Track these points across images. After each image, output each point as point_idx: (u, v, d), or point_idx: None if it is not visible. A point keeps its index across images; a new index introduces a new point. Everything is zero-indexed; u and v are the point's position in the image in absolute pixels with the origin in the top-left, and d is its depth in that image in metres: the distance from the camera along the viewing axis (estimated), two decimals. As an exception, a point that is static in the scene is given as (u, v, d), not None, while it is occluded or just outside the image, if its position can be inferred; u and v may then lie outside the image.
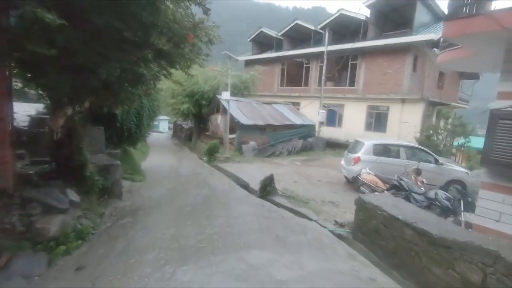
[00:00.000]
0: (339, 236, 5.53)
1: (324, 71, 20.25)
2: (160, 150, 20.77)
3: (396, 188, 7.03)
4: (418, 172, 7.84)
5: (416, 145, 11.74)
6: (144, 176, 9.77)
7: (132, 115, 8.72)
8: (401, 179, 7.11)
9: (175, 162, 14.99)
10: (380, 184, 7.64)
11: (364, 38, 20.22)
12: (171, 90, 20.38)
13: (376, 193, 6.66)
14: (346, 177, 10.58)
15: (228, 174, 11.42)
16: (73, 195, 4.81)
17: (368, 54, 19.81)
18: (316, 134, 20.04)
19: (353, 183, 9.65)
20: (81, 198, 4.89)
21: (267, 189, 7.49)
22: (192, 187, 8.73)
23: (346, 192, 9.38)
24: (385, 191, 7.09)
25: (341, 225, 5.85)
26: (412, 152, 10.21)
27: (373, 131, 19.44)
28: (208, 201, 7.23)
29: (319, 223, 6.11)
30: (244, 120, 16.66)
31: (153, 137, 30.72)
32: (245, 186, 9.32)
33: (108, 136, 8.70)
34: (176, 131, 31.16)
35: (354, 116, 20.45)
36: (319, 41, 23.12)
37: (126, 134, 8.70)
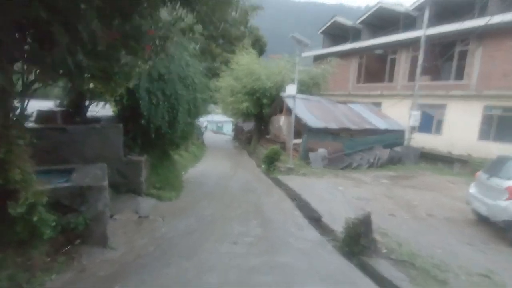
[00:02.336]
0: None
1: (419, 62, 15.60)
2: (216, 153, 18.93)
3: None
4: None
5: None
6: (179, 191, 7.51)
7: (162, 109, 6.46)
8: None
9: (228, 170, 12.61)
10: None
11: (481, 15, 14.91)
12: (230, 87, 18.35)
13: None
14: (477, 213, 6.58)
15: (291, 194, 8.42)
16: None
17: (487, 36, 14.48)
18: (406, 143, 15.52)
19: (507, 231, 5.62)
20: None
21: (360, 243, 4.18)
22: (237, 218, 5.95)
23: (491, 244, 5.45)
24: None
25: None
26: None
27: (492, 140, 14.04)
28: (254, 257, 4.21)
29: None
30: (312, 122, 13.44)
31: (213, 138, 29.68)
32: (315, 219, 6.19)
33: (132, 137, 6.62)
34: (237, 133, 29.46)
35: (461, 120, 15.23)
36: (409, 27, 18.39)
37: (153, 135, 6.45)
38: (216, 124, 50.80)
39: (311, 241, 5.05)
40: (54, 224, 2.96)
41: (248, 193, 8.56)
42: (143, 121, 6.34)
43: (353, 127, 14.25)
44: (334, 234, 5.31)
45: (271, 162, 12.75)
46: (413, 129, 15.65)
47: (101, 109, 8.17)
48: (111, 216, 4.98)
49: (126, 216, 5.01)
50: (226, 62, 19.99)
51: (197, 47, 8.31)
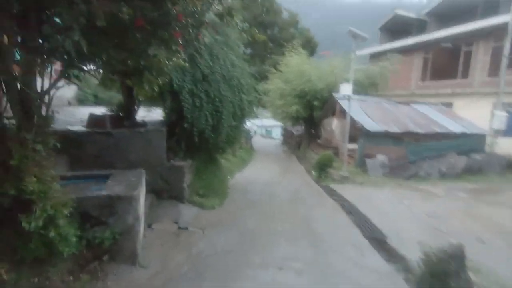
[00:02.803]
0: None
1: (505, 53, 13.04)
2: (265, 158, 18.42)
3: None
4: None
5: None
6: (223, 198, 7.06)
7: (205, 112, 6.08)
8: None
9: (276, 176, 11.94)
10: None
11: None
12: (279, 90, 17.73)
13: None
14: None
15: (346, 206, 7.39)
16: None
17: None
18: (488, 149, 13.04)
19: None
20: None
21: (449, 285, 3.09)
22: (284, 234, 5.14)
23: None
24: None
25: None
26: None
27: None
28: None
29: None
30: (370, 124, 12.06)
31: (261, 143, 29.33)
32: (379, 241, 5.14)
33: (176, 141, 6.38)
34: (286, 137, 28.68)
35: None
36: (487, 13, 15.63)
37: (196, 140, 6.10)
38: (265, 128, 50.66)
39: (376, 271, 4.06)
40: (75, 239, 2.64)
41: (297, 203, 7.77)
42: (186, 125, 6.05)
43: (419, 130, 12.43)
44: (406, 263, 4.24)
45: (322, 169, 11.74)
46: (497, 132, 13.10)
47: (152, 113, 8.25)
48: (149, 226, 4.69)
49: (164, 226, 4.69)
50: (275, 65, 19.46)
51: (241, 48, 7.81)
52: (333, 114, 15.65)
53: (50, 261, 2.56)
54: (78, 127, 5.98)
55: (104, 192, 3.15)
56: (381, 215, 6.59)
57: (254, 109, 8.77)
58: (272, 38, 26.55)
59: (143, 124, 6.98)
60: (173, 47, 3.13)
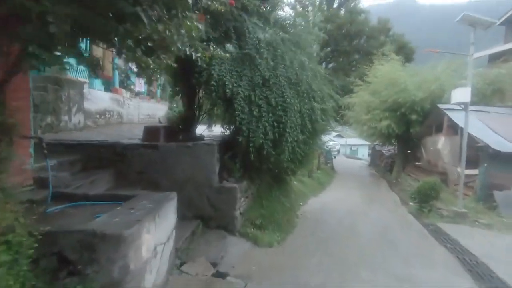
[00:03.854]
0: None
1: None
2: (347, 181, 16.01)
3: None
4: None
5: None
6: (286, 231, 5.48)
7: (264, 123, 4.87)
8: None
9: (360, 205, 9.72)
10: None
11: None
12: (365, 103, 15.38)
13: None
14: None
15: (469, 261, 4.92)
16: None
17: None
18: None
19: None
20: None
21: None
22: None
23: None
24: None
25: None
26: None
27: None
28: None
29: None
30: (498, 143, 8.79)
31: (345, 163, 26.43)
32: None
33: (231, 158, 5.34)
34: (374, 158, 25.15)
35: None
36: None
37: (252, 157, 4.91)
38: (350, 147, 46.64)
39: None
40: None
41: (387, 248, 5.64)
42: (240, 139, 4.98)
43: None
44: None
45: (425, 201, 8.98)
46: None
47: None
48: (180, 266, 3.63)
49: (198, 269, 3.57)
50: (361, 76, 17.20)
51: (315, 48, 6.48)
52: (439, 130, 12.43)
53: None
54: (132, 140, 5.59)
55: (90, 227, 2.22)
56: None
57: (331, 121, 7.13)
58: (358, 48, 24.19)
59: (201, 138, 6.25)
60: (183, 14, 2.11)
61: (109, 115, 10.52)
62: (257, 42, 5.07)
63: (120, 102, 11.33)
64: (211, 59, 4.82)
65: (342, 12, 24.81)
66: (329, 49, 25.35)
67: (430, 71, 14.01)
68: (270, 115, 5.09)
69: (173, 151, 4.90)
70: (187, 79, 5.61)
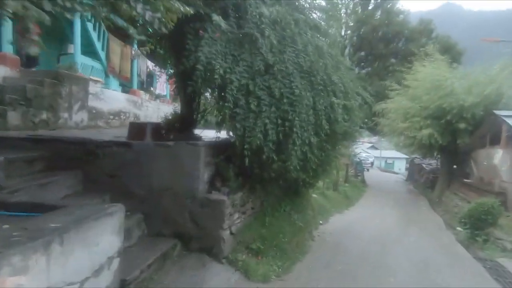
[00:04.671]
0: None
1: None
2: (379, 196, 14.15)
3: None
4: None
5: None
6: (292, 259, 4.19)
7: (264, 119, 3.77)
8: None
9: (393, 229, 8.09)
10: None
11: None
12: (402, 109, 13.58)
13: None
14: None
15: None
16: None
17: None
18: None
19: None
20: None
21: None
22: None
23: None
24: None
25: None
26: None
27: None
28: None
29: None
30: None
31: (379, 177, 24.13)
32: None
33: (224, 164, 4.29)
34: (412, 172, 22.66)
35: None
36: None
37: (247, 162, 3.81)
38: (385, 160, 43.29)
39: None
40: None
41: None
42: (234, 139, 3.94)
43: None
44: None
45: (478, 227, 7.23)
46: None
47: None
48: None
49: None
50: (399, 81, 15.41)
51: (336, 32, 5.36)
52: (495, 141, 10.36)
53: None
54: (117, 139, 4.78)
55: None
56: None
57: (358, 123, 5.78)
58: (395, 51, 22.22)
59: (197, 139, 5.30)
60: None
61: (124, 116, 10.06)
62: (258, 17, 4.04)
63: (138, 104, 10.93)
64: (200, 40, 3.92)
65: (378, 14, 23.09)
66: (363, 53, 23.71)
67: (484, 73, 11.96)
68: (273, 109, 3.99)
69: (149, 151, 3.98)
70: (183, 71, 4.75)
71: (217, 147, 4.51)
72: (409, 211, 11.07)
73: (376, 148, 44.62)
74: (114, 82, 10.32)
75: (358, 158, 19.99)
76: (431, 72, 12.75)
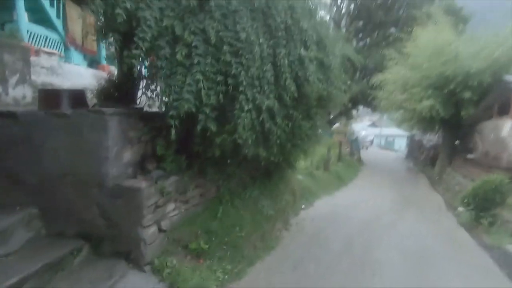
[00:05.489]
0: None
1: None
2: (375, 176, 13.20)
3: None
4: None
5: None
6: (256, 256, 3.31)
7: (197, 74, 2.67)
8: None
9: (388, 212, 7.14)
10: None
11: None
12: (401, 79, 12.30)
13: None
14: None
15: None
16: None
17: None
18: None
19: None
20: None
21: None
22: None
23: None
24: None
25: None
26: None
27: None
28: None
29: None
30: None
31: (377, 155, 23.16)
32: None
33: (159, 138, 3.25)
34: (412, 149, 21.63)
35: None
36: None
37: (173, 136, 2.76)
38: (385, 138, 42.00)
39: None
40: None
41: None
42: (158, 104, 2.87)
43: None
44: None
45: (485, 208, 6.26)
46: None
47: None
48: None
49: None
50: (399, 50, 13.94)
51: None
52: (504, 111, 9.20)
53: None
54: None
55: None
56: None
57: (341, 88, 4.61)
58: (396, 19, 20.52)
59: (138, 110, 4.19)
60: None
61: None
62: None
63: (106, 81, 9.70)
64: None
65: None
66: (361, 22, 21.96)
67: (494, 35, 10.57)
68: (210, 61, 2.87)
69: (42, 124, 2.91)
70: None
71: (148, 119, 3.43)
72: (407, 191, 10.12)
73: (376, 126, 43.34)
74: (77, 56, 9.11)
75: (354, 136, 18.90)
76: (434, 37, 11.34)
